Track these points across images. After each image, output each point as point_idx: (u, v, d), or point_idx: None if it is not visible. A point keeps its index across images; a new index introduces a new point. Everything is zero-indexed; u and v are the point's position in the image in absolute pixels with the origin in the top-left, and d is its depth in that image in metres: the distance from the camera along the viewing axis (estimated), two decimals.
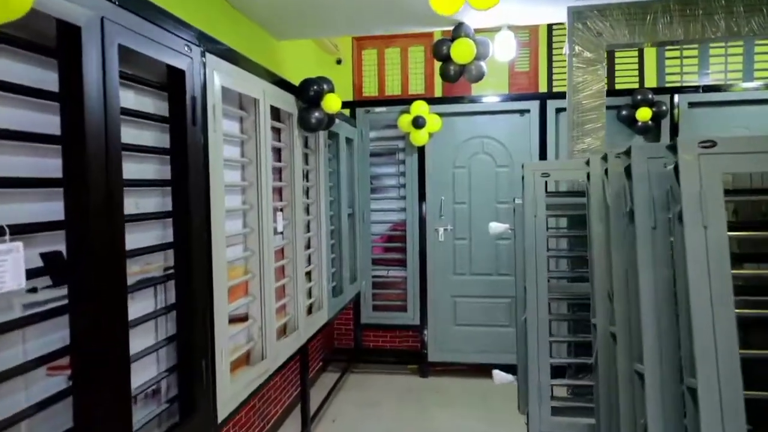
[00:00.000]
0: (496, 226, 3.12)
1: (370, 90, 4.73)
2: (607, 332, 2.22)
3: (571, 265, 2.97)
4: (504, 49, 3.43)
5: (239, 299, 2.28)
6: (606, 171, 2.10)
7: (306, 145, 3.15)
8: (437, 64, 4.62)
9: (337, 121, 3.35)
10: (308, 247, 3.21)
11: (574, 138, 3.10)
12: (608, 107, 4.07)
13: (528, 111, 4.23)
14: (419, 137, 4.20)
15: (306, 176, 3.14)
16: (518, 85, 4.43)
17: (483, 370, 4.36)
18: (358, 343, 4.61)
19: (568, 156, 3.16)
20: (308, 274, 3.20)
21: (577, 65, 3.05)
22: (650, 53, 4.47)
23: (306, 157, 3.15)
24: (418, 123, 4.13)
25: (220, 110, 1.95)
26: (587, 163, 2.49)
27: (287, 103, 2.74)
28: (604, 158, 2.14)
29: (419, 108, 4.18)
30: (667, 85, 4.20)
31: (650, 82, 4.54)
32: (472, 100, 4.30)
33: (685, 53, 4.29)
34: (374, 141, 4.48)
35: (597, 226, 2.30)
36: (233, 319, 2.23)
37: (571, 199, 2.89)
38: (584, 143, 3.10)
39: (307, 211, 3.18)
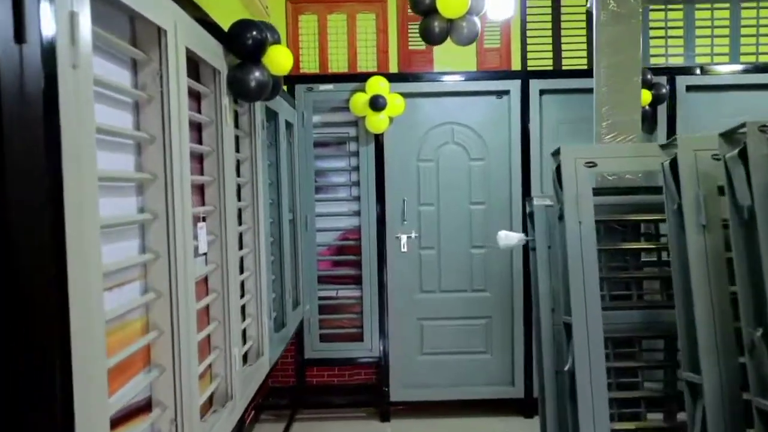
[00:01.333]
0: (508, 237, 2.34)
1: (309, 65, 3.78)
2: (722, 392, 1.49)
3: (613, 288, 2.24)
4: (499, 4, 2.66)
5: (133, 379, 1.30)
6: (743, 154, 1.34)
7: (237, 124, 2.19)
8: (394, 36, 3.83)
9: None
10: (242, 270, 2.25)
11: (604, 116, 2.39)
12: (574, 90, 3.48)
13: (507, 92, 3.51)
14: (377, 122, 3.34)
15: (237, 169, 2.18)
16: (488, 64, 3.71)
17: (458, 408, 3.58)
18: (301, 381, 3.65)
19: (596, 140, 2.45)
20: (243, 308, 2.23)
21: (605, 22, 2.34)
22: None
23: (237, 141, 2.18)
24: (377, 104, 3.27)
25: (89, 30, 0.98)
26: (666, 145, 1.77)
27: (213, 53, 1.77)
28: (729, 135, 1.40)
29: (377, 85, 3.32)
30: (653, 64, 3.66)
31: None
32: (440, 78, 3.51)
33: (671, 32, 3.79)
34: (319, 128, 3.56)
35: (695, 235, 1.57)
36: (124, 416, 1.25)
37: (620, 198, 2.16)
38: (616, 122, 2.39)
39: (240, 219, 2.22)
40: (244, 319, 2.23)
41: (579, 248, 1.82)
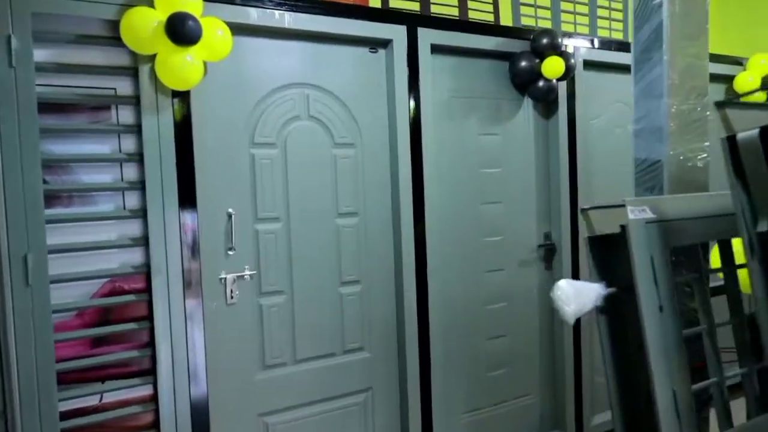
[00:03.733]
0: (579, 293, 1.14)
1: None
2: None
3: None
4: None
5: None
6: None
7: None
8: None
9: None
10: None
11: (675, 86, 1.40)
12: (477, 53, 2.56)
13: (386, 44, 2.31)
14: (181, 68, 1.76)
15: None
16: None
17: None
18: None
19: (669, 119, 1.43)
20: None
21: None
22: None
23: None
24: (182, 31, 1.70)
25: None
26: None
27: None
28: None
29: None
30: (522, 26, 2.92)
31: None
32: (285, 5, 2.09)
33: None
34: (49, 75, 1.76)
35: None
36: None
37: None
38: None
39: None
40: None
41: None
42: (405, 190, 2.30)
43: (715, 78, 3.28)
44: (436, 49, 2.37)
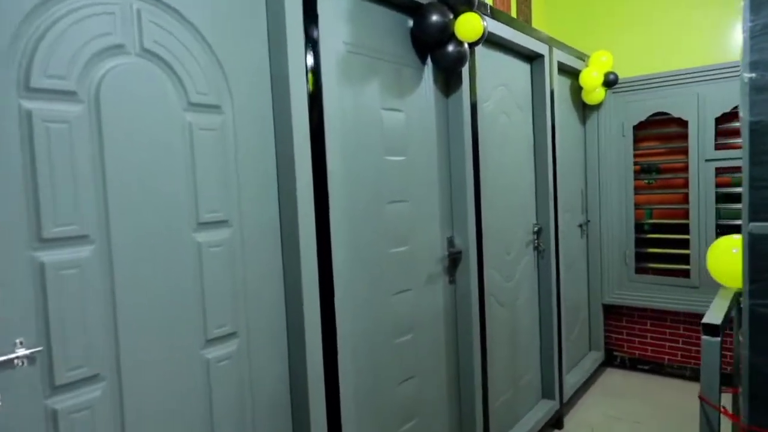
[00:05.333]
0: None
1: None
2: None
3: None
4: None
5: None
6: None
7: None
8: None
9: None
10: None
11: None
12: None
13: None
14: None
15: None
16: None
17: None
18: None
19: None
20: None
21: None
22: None
23: None
24: None
25: None
26: None
27: None
28: None
29: None
30: None
31: None
32: None
33: None
34: None
35: None
36: None
37: None
38: None
39: None
40: None
41: None
42: (304, 186, 1.48)
43: (563, 70, 3.21)
44: None
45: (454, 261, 2.23)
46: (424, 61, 2.08)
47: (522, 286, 2.79)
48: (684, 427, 2.90)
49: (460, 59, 2.01)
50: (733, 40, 3.19)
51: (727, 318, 1.54)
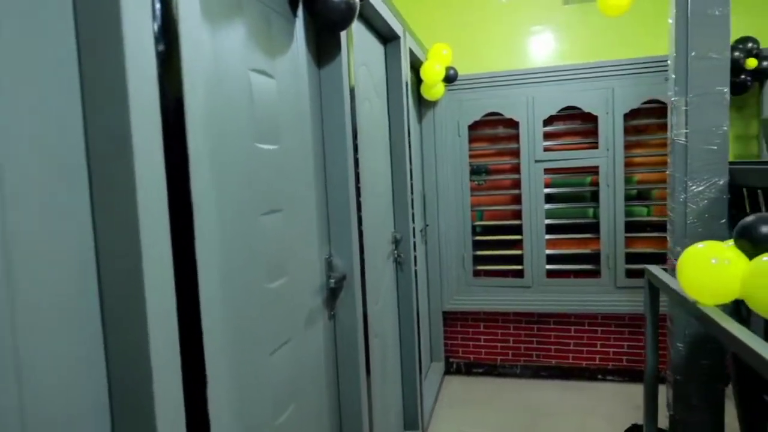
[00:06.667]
0: None
1: None
2: None
3: None
4: None
5: None
6: None
7: None
8: None
9: None
10: None
11: None
12: None
13: None
14: None
15: None
16: None
17: None
18: None
19: None
20: None
21: None
22: None
23: None
24: None
25: None
26: None
27: None
28: None
29: None
30: None
31: None
32: None
33: None
34: None
35: None
36: None
37: None
38: None
39: None
40: None
41: None
42: (151, 187, 0.76)
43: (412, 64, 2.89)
44: None
45: (333, 290, 1.66)
46: (294, 11, 1.46)
47: (387, 307, 2.35)
48: (535, 427, 2.85)
49: (349, 12, 1.45)
50: (566, 44, 3.29)
51: None
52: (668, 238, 1.90)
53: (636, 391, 3.27)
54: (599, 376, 3.46)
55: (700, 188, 1.72)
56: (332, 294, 1.65)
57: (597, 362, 3.47)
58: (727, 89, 1.72)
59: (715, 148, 1.72)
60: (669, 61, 1.85)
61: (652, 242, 3.28)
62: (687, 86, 1.75)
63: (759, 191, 1.65)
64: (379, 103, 2.34)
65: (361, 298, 1.72)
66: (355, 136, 1.71)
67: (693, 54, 1.75)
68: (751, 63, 2.81)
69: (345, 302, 1.67)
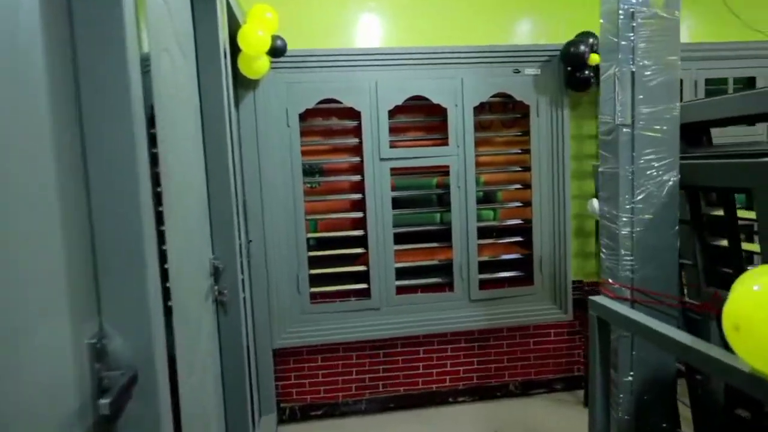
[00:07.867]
0: None
1: None
2: None
3: None
4: None
5: None
6: None
7: None
8: None
9: None
10: None
11: None
12: None
13: None
14: None
15: None
16: None
17: None
18: None
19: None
20: None
21: None
22: None
23: None
24: None
25: None
26: None
27: None
28: None
29: None
30: None
31: None
32: None
33: None
34: None
35: None
36: None
37: None
38: None
39: None
40: None
41: None
42: None
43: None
44: None
45: (114, 406, 0.84)
46: None
47: (207, 375, 1.55)
48: None
49: None
50: (422, 23, 2.80)
51: None
52: (603, 255, 1.48)
53: (490, 410, 2.98)
54: (450, 399, 3.11)
55: (649, 189, 1.35)
56: (114, 414, 0.83)
57: (447, 384, 3.11)
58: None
59: (665, 136, 1.35)
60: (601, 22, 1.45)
61: (500, 248, 3.02)
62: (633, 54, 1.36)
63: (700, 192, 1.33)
64: (186, 66, 1.53)
65: (168, 402, 0.93)
66: (150, 107, 0.91)
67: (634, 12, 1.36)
68: (595, 59, 2.70)
69: (139, 403, 0.87)
